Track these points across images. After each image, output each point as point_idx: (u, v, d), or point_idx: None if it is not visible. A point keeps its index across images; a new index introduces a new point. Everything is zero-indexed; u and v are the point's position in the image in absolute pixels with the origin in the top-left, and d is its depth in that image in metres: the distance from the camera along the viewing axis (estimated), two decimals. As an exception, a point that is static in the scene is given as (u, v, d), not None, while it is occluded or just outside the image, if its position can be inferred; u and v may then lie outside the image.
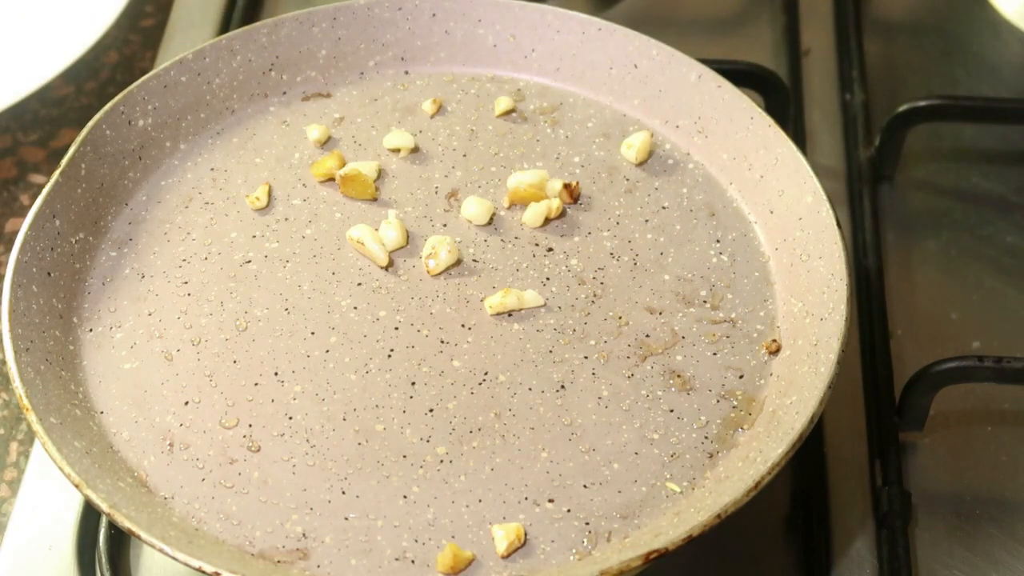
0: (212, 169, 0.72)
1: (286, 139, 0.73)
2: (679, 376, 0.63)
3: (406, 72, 0.77)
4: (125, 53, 0.91)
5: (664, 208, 0.70)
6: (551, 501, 0.59)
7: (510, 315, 0.65)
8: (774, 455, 0.57)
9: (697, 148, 0.73)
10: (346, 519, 0.58)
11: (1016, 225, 0.80)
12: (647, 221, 0.70)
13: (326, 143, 0.73)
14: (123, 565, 0.65)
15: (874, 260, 0.75)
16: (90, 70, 0.89)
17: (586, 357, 0.64)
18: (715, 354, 0.64)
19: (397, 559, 0.57)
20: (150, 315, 0.65)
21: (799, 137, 0.82)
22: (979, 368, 0.66)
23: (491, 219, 0.69)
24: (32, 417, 0.58)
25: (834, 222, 0.65)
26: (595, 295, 0.66)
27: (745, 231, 0.69)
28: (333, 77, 0.76)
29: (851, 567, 0.65)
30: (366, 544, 0.58)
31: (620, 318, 0.65)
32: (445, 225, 0.69)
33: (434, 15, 0.76)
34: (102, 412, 0.62)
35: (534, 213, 0.69)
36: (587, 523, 0.58)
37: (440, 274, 0.67)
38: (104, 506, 0.55)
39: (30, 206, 0.65)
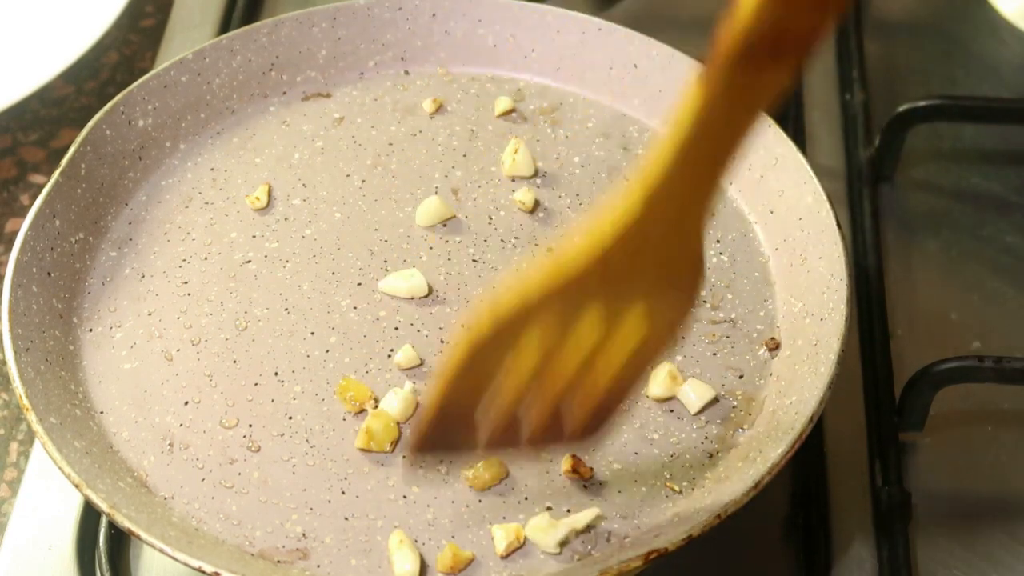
0: (212, 169, 0.72)
1: (286, 139, 0.73)
2: (679, 376, 0.63)
3: (406, 72, 0.77)
4: (125, 53, 0.91)
5: (664, 208, 0.70)
6: (551, 501, 0.59)
7: (510, 315, 0.65)
8: (774, 455, 0.57)
9: (697, 148, 0.73)
10: (346, 519, 0.58)
11: (1016, 225, 0.80)
12: (647, 221, 0.70)
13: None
14: (123, 565, 0.65)
15: (874, 260, 0.75)
16: (90, 70, 0.89)
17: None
18: (715, 354, 0.64)
19: (397, 559, 0.57)
20: (150, 315, 0.65)
21: (799, 137, 0.81)
22: (979, 368, 0.66)
23: (490, 219, 0.69)
24: (32, 417, 0.58)
25: (834, 222, 0.65)
26: (595, 295, 0.66)
27: (745, 231, 0.69)
28: (333, 77, 0.76)
29: (851, 567, 0.65)
30: (366, 544, 0.58)
31: (620, 318, 0.65)
32: (445, 225, 0.69)
33: (434, 15, 0.76)
34: (102, 412, 0.62)
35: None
36: (587, 523, 0.58)
37: (440, 272, 0.67)
38: (104, 506, 0.55)
39: (30, 206, 0.65)
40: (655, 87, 0.74)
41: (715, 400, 0.62)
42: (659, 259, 0.46)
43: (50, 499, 0.67)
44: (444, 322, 0.65)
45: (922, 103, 0.80)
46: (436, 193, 0.70)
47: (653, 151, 0.44)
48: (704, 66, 0.41)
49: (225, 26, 0.89)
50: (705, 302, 0.66)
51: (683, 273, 0.47)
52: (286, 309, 0.66)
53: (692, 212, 0.46)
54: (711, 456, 0.61)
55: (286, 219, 0.70)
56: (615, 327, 0.47)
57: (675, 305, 0.48)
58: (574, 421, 0.50)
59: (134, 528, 0.55)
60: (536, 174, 0.72)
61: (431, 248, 0.68)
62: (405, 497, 0.59)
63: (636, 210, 0.44)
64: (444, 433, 0.50)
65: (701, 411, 0.62)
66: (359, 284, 0.67)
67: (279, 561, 0.57)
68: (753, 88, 0.42)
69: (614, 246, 0.45)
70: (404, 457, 0.58)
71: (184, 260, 0.68)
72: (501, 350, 0.47)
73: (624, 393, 0.50)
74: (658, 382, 0.62)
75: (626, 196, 0.44)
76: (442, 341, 0.64)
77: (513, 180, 0.72)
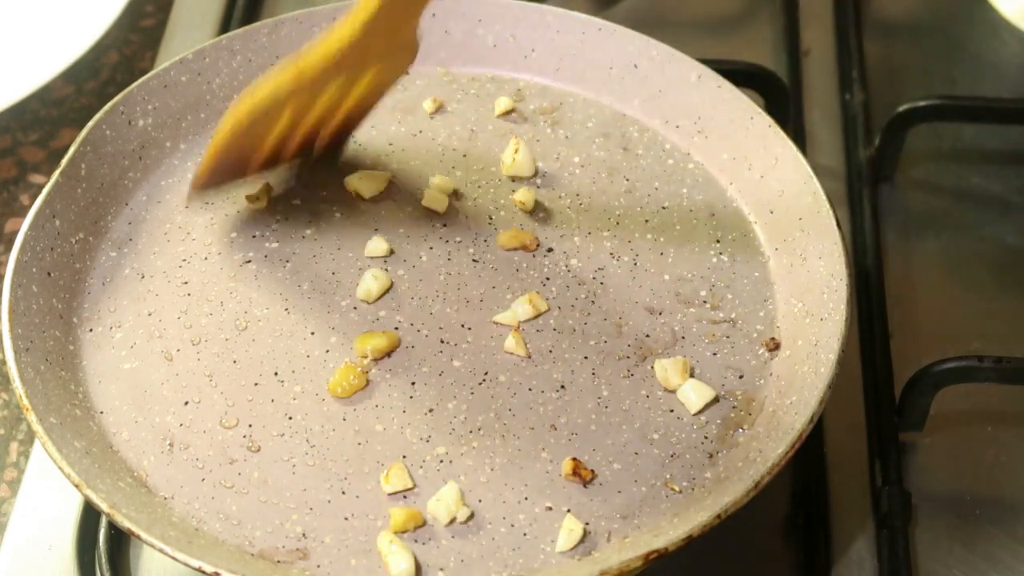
0: (212, 169, 0.72)
1: (286, 139, 0.73)
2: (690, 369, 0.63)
3: (406, 72, 0.77)
4: (125, 53, 0.91)
5: (664, 208, 0.70)
6: (551, 501, 0.59)
7: (510, 315, 0.65)
8: (774, 455, 0.57)
9: (697, 148, 0.73)
10: (346, 519, 0.58)
11: (1016, 225, 0.80)
12: (647, 221, 0.70)
13: None
14: (123, 565, 0.65)
15: (874, 260, 0.75)
16: (90, 70, 0.89)
17: (586, 357, 0.64)
18: (715, 354, 0.64)
19: (397, 559, 0.57)
20: (150, 315, 0.65)
21: (799, 137, 0.82)
22: (979, 368, 0.66)
23: (490, 219, 0.69)
24: (32, 417, 0.58)
25: (834, 222, 0.65)
26: (595, 295, 0.66)
27: (745, 231, 0.69)
28: (333, 77, 0.76)
29: (851, 567, 0.65)
30: (366, 544, 0.58)
31: (620, 318, 0.65)
32: (445, 225, 0.69)
33: (434, 15, 0.76)
34: (102, 412, 0.62)
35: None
36: (587, 523, 0.58)
37: (440, 272, 0.67)
38: (104, 506, 0.55)
39: (30, 206, 0.65)
40: (655, 87, 0.74)
41: (715, 400, 0.62)
42: (381, 47, 0.63)
43: (50, 499, 0.67)
44: (444, 322, 0.65)
45: (922, 103, 0.80)
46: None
47: None
48: None
49: (225, 26, 0.89)
50: (705, 302, 0.66)
51: (402, 47, 0.65)
52: (286, 309, 0.66)
53: (406, 20, 0.63)
54: (711, 456, 0.61)
55: (286, 219, 0.70)
56: (352, 84, 0.65)
57: (397, 64, 0.67)
58: (321, 142, 0.69)
59: (134, 528, 0.55)
60: (536, 174, 0.72)
61: (431, 248, 0.68)
62: (405, 497, 0.59)
63: (359, 32, 0.61)
64: (220, 176, 0.67)
65: (701, 411, 0.62)
66: (359, 284, 0.67)
67: (279, 561, 0.57)
68: None
69: (345, 52, 0.61)
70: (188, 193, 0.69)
71: (184, 260, 0.68)
72: (259, 123, 0.64)
73: (360, 118, 0.69)
74: (673, 372, 0.62)
75: (348, 23, 0.61)
76: (442, 341, 0.64)
77: (513, 180, 0.72)
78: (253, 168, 0.68)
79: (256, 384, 0.63)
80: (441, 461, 0.60)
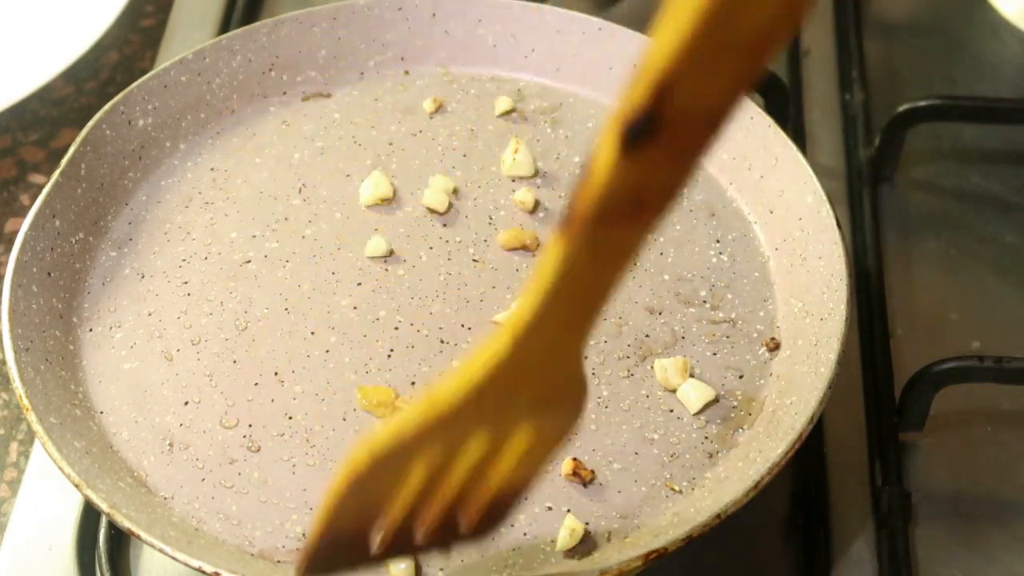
0: (212, 169, 0.72)
1: (286, 139, 0.73)
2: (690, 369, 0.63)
3: (406, 72, 0.77)
4: (125, 53, 0.91)
5: (664, 208, 0.70)
6: (551, 501, 0.59)
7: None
8: (774, 455, 0.57)
9: (697, 148, 0.73)
10: (346, 519, 0.58)
11: (1016, 225, 0.80)
12: (647, 221, 0.70)
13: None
14: (123, 565, 0.65)
15: (874, 260, 0.75)
16: (90, 70, 0.89)
17: (586, 357, 0.64)
18: (715, 354, 0.64)
19: (397, 559, 0.57)
20: (150, 315, 0.65)
21: (799, 137, 0.81)
22: (979, 368, 0.66)
23: (490, 219, 0.69)
24: (32, 417, 0.58)
25: (834, 222, 0.65)
26: (595, 295, 0.66)
27: (745, 231, 0.69)
28: (333, 77, 0.76)
29: (851, 567, 0.65)
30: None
31: (620, 318, 0.65)
32: (445, 225, 0.69)
33: (434, 15, 0.76)
34: (102, 412, 0.62)
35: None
36: (587, 523, 0.58)
37: (440, 272, 0.67)
38: (104, 506, 0.55)
39: (30, 206, 0.65)
40: (655, 87, 0.74)
41: (715, 400, 0.62)
42: (535, 387, 0.47)
43: (50, 499, 0.67)
44: (444, 322, 0.65)
45: (922, 103, 0.79)
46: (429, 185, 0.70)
47: (522, 296, 0.45)
48: (563, 222, 0.41)
49: (225, 26, 0.89)
50: (705, 302, 0.66)
51: (563, 393, 0.48)
52: (286, 309, 0.66)
53: (565, 346, 0.47)
54: (711, 456, 0.61)
55: (286, 219, 0.70)
56: (501, 443, 0.48)
57: (561, 418, 0.49)
58: (468, 520, 0.50)
59: (134, 528, 0.55)
60: (536, 174, 0.72)
61: (431, 248, 0.68)
62: (405, 497, 0.59)
63: (506, 352, 0.45)
64: (333, 555, 0.50)
65: (701, 411, 0.62)
66: (359, 284, 0.67)
67: (279, 561, 0.57)
68: (613, 241, 0.42)
69: (486, 383, 0.46)
70: None
71: (184, 260, 0.68)
72: (383, 480, 0.48)
73: (519, 491, 0.50)
74: (673, 372, 0.62)
75: (497, 338, 0.45)
76: (442, 341, 0.64)
77: (513, 180, 0.72)
78: (376, 547, 0.50)
79: (256, 384, 0.63)
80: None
